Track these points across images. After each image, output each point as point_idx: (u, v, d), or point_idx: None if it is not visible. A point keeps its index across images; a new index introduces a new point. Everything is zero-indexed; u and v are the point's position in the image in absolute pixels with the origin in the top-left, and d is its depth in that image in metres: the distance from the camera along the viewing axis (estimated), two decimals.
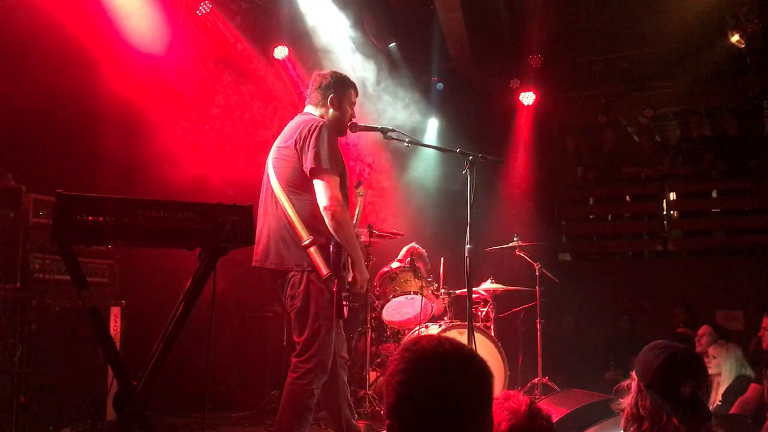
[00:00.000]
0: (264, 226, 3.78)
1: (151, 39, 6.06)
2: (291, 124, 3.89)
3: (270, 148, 3.94)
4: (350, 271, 3.77)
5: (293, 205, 3.64)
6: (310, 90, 3.98)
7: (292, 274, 3.64)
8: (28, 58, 5.07)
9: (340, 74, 4.01)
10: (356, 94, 4.03)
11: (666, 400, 2.32)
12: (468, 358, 1.60)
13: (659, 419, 2.32)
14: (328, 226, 3.61)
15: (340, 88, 3.92)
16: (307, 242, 3.57)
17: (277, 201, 3.70)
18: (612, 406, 2.58)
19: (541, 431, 2.03)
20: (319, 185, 3.62)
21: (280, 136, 3.89)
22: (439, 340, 1.61)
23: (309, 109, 3.96)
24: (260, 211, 3.85)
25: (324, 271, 3.56)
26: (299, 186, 3.67)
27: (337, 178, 3.67)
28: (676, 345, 2.45)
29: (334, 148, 3.69)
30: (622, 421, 2.44)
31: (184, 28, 6.55)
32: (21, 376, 4.09)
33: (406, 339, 5.52)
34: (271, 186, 3.76)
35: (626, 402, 2.43)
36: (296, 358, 3.62)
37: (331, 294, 3.60)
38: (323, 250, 3.60)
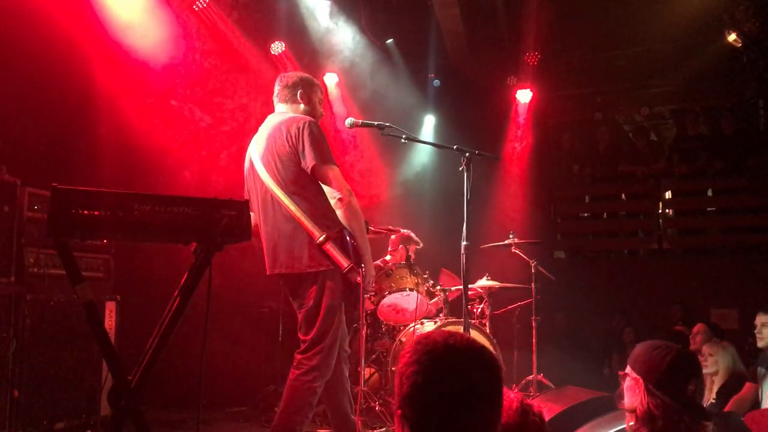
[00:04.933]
0: (266, 232, 3.74)
1: (148, 33, 6.03)
2: (270, 124, 3.83)
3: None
4: None
5: (298, 205, 3.60)
6: (278, 90, 3.96)
7: (305, 274, 3.62)
8: (23, 52, 5.04)
9: (305, 75, 4.06)
10: (322, 93, 4.09)
11: (673, 400, 2.37)
12: (478, 349, 1.66)
13: (672, 418, 2.35)
14: (342, 217, 3.63)
15: (307, 85, 3.96)
16: (321, 239, 3.54)
17: (279, 204, 3.64)
18: (619, 406, 2.59)
19: (533, 428, 2.03)
20: (326, 179, 3.64)
21: (260, 138, 3.81)
22: (450, 333, 1.67)
23: (280, 107, 3.94)
24: (259, 219, 3.77)
25: (345, 263, 3.53)
26: (300, 185, 3.64)
27: (338, 169, 3.68)
28: (674, 345, 2.50)
29: (326, 141, 3.71)
30: (633, 422, 2.44)
31: (180, 23, 6.52)
32: (15, 371, 4.07)
33: (409, 334, 5.53)
34: (268, 190, 3.69)
35: (635, 402, 2.43)
36: (300, 355, 3.61)
37: (354, 286, 3.60)
38: (338, 244, 3.58)
